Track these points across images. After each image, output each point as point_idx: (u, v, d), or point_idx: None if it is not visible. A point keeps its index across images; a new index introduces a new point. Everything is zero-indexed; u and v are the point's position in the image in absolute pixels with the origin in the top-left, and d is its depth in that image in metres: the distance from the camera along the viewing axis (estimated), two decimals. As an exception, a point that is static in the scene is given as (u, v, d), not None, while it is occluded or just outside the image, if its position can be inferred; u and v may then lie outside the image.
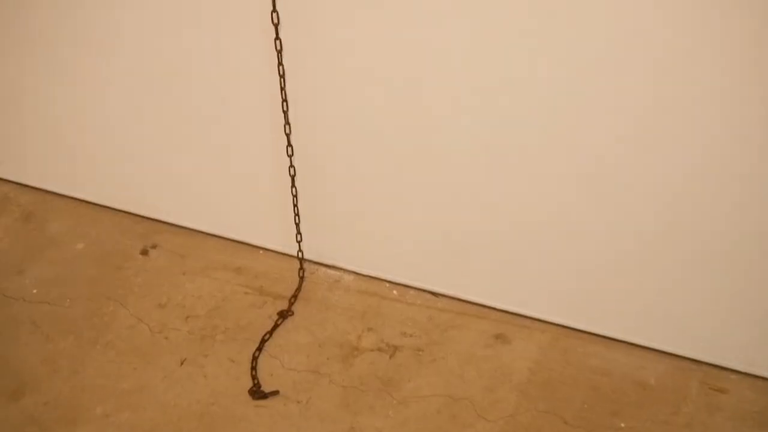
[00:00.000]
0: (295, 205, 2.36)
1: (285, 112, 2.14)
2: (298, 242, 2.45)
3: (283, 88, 2.09)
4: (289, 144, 2.20)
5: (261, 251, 2.64)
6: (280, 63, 2.03)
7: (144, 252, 2.64)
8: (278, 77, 2.07)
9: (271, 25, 1.97)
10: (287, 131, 2.17)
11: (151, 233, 2.72)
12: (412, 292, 2.47)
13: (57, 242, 2.70)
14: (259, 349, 2.27)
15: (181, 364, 2.24)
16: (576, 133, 1.89)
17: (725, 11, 1.57)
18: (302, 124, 2.19)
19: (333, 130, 2.19)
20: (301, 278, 2.52)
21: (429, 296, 2.45)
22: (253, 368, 2.21)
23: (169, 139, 2.49)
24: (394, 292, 2.47)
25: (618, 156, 1.90)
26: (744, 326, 2.07)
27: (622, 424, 2.03)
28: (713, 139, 1.77)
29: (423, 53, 1.92)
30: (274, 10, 1.94)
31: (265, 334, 2.31)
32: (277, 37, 1.99)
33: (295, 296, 2.45)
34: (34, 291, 2.49)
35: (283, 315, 2.38)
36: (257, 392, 2.14)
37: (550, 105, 1.87)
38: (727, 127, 1.74)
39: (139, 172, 2.66)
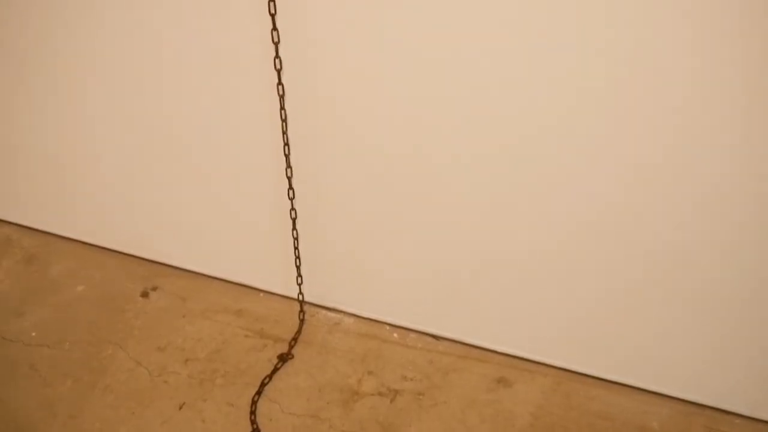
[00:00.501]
0: (296, 248, 2.37)
1: (287, 156, 2.16)
2: (299, 285, 2.45)
3: (285, 132, 2.12)
4: (291, 187, 2.22)
5: (262, 294, 2.64)
6: (282, 107, 2.06)
7: (145, 294, 2.64)
8: (280, 121, 2.10)
9: (274, 70, 2.00)
10: (288, 174, 2.19)
11: (152, 276, 2.73)
12: (412, 335, 2.46)
13: (58, 284, 2.70)
14: (259, 393, 2.25)
15: (180, 408, 2.22)
16: (577, 178, 1.91)
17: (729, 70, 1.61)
18: (304, 167, 2.21)
19: (334, 174, 2.21)
20: (302, 321, 2.51)
21: (430, 339, 2.44)
22: (252, 413, 2.19)
23: (172, 182, 2.51)
24: (395, 335, 2.46)
25: (618, 200, 1.90)
26: (748, 370, 2.05)
27: (627, 471, 2.01)
28: (712, 187, 1.78)
29: (425, 100, 1.94)
30: (277, 56, 1.97)
31: (265, 378, 2.29)
32: (280, 83, 2.02)
33: (295, 339, 2.44)
34: (33, 334, 2.48)
35: (283, 358, 2.36)
36: (256, 437, 2.12)
37: (551, 151, 1.88)
38: (725, 176, 1.76)
39: (142, 215, 2.67)
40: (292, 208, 2.28)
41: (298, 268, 2.41)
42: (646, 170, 1.82)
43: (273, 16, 1.90)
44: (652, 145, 1.78)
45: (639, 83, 1.69)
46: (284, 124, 2.10)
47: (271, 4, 1.88)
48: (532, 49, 1.74)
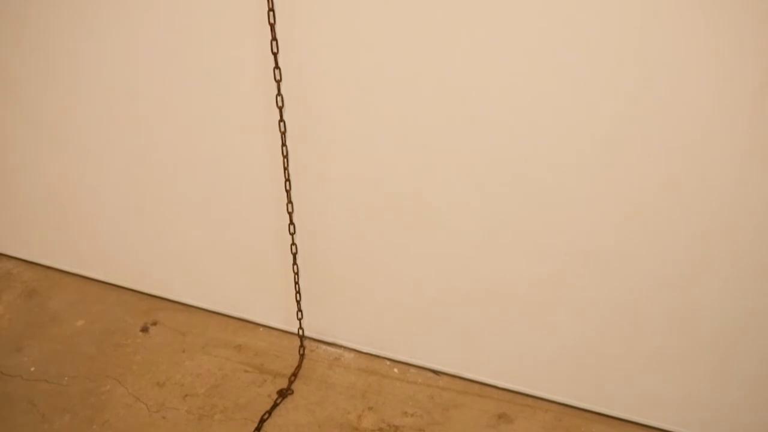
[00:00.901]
0: (296, 283, 2.38)
1: (288, 191, 2.18)
2: (299, 320, 2.45)
3: (286, 168, 2.14)
4: (292, 222, 2.23)
5: (261, 328, 2.64)
6: (283, 144, 2.09)
7: (144, 329, 2.64)
8: (281, 157, 2.12)
9: (276, 108, 2.03)
10: (289, 210, 2.21)
11: (152, 310, 2.73)
12: (413, 370, 2.45)
13: (58, 319, 2.70)
14: (258, 429, 2.23)
15: (179, 444, 2.21)
16: (576, 213, 1.92)
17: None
18: (305, 202, 2.23)
19: (335, 209, 2.23)
20: (302, 356, 2.50)
21: (430, 374, 2.43)
22: (252, 449, 2.18)
23: (172, 217, 2.53)
24: (395, 370, 2.45)
25: (618, 235, 1.92)
26: (748, 406, 2.04)
27: None
28: (711, 221, 1.80)
29: (426, 140, 1.97)
30: (279, 93, 2.01)
31: (264, 414, 2.28)
32: (281, 120, 2.05)
33: (295, 374, 2.43)
34: (32, 369, 2.47)
35: (283, 394, 2.35)
36: (255, 474, 2.10)
37: (553, 185, 1.91)
38: (724, 213, 1.78)
39: (142, 249, 2.68)
40: (293, 243, 2.29)
41: (298, 302, 2.41)
42: (644, 206, 1.84)
43: (275, 55, 1.95)
44: (649, 182, 1.80)
45: (633, 133, 1.73)
46: (285, 160, 2.12)
47: (273, 42, 1.93)
48: (531, 92, 1.78)
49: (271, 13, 1.88)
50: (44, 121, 2.54)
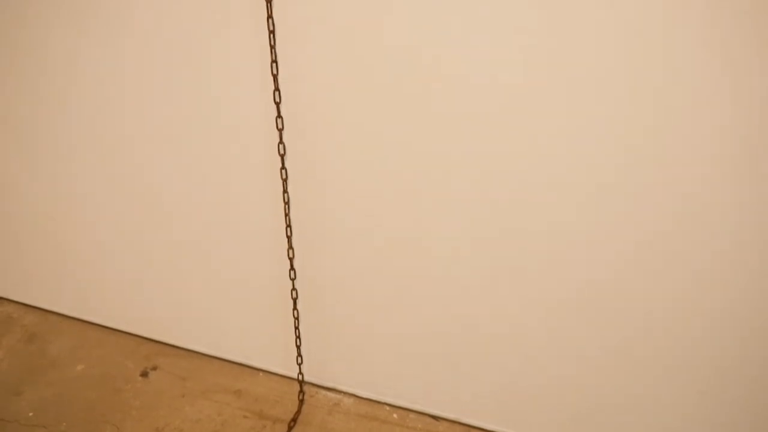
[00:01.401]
0: (296, 328, 2.39)
1: (289, 237, 2.21)
2: (299, 365, 2.46)
3: (287, 214, 2.17)
4: (292, 268, 2.25)
5: (261, 373, 2.64)
6: (285, 190, 2.13)
7: (144, 374, 2.63)
8: (283, 204, 2.16)
9: (278, 156, 2.08)
10: (290, 255, 2.24)
11: (153, 355, 2.73)
12: (412, 415, 2.44)
13: (57, 363, 2.69)
14: (257, 476, 2.22)
15: (177, 492, 2.19)
16: (571, 259, 1.95)
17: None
18: (305, 248, 2.26)
19: (335, 255, 2.25)
20: (301, 401, 2.50)
21: (430, 420, 2.42)
22: (250, 497, 2.16)
23: (172, 261, 2.55)
24: (395, 415, 2.44)
25: (617, 281, 1.94)
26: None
27: None
28: (709, 272, 1.83)
29: (425, 186, 2.01)
30: (281, 142, 2.05)
31: (263, 460, 2.27)
32: (283, 167, 2.09)
33: (294, 420, 2.42)
34: (31, 414, 2.46)
35: (282, 440, 2.34)
36: None
37: (549, 232, 1.94)
38: (716, 262, 1.81)
39: (142, 294, 2.70)
40: (293, 289, 2.31)
41: (298, 347, 2.42)
42: (641, 251, 1.87)
43: (278, 105, 2.00)
44: (654, 226, 1.83)
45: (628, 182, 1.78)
46: (287, 206, 2.15)
47: (276, 93, 1.98)
48: (529, 144, 1.82)
49: (275, 64, 1.93)
50: (44, 167, 2.58)
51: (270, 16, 1.87)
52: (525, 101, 1.76)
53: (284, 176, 2.11)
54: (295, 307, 2.35)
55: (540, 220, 1.92)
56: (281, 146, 2.06)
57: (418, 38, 1.79)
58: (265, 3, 1.85)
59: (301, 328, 2.40)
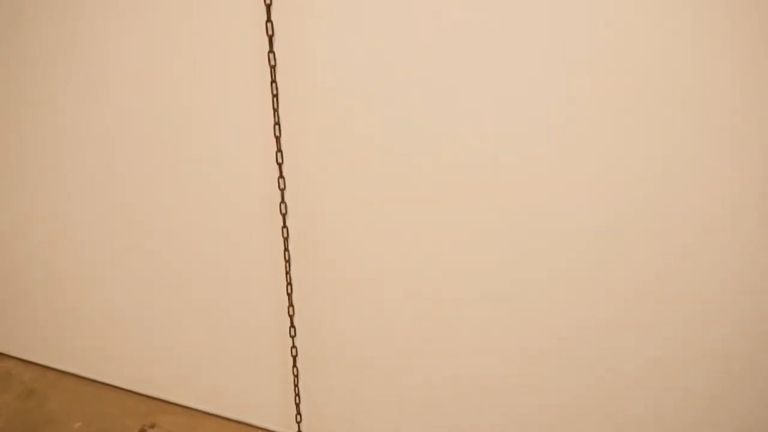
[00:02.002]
0: (296, 386, 2.38)
1: (289, 295, 2.22)
2: (298, 423, 2.44)
3: (288, 272, 2.19)
4: (292, 325, 2.26)
5: (260, 431, 2.61)
6: (286, 249, 2.15)
7: (142, 432, 2.62)
8: (284, 261, 2.18)
9: (279, 214, 2.11)
10: (291, 313, 2.25)
11: (151, 412, 2.70)
12: (412, 475, 2.41)
13: (55, 420, 2.67)
14: None
15: None
16: (566, 311, 1.97)
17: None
18: (306, 305, 2.27)
19: (337, 313, 2.26)
20: (300, 460, 2.47)
21: (430, 480, 2.39)
22: None
23: (171, 318, 2.56)
24: (394, 475, 2.42)
25: (613, 339, 1.95)
26: None
27: None
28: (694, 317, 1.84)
29: (426, 247, 2.03)
30: (282, 201, 2.09)
31: None
32: (284, 226, 2.12)
33: (293, 480, 2.39)
34: (27, 473, 2.44)
35: (280, 501, 2.31)
36: None
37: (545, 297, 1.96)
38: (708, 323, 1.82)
39: (141, 351, 2.70)
40: (293, 346, 2.31)
41: (297, 405, 2.41)
42: (638, 307, 1.89)
43: (280, 165, 2.04)
44: (647, 280, 1.85)
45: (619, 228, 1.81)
46: (288, 264, 2.17)
47: (279, 153, 2.03)
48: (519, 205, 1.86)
49: (277, 126, 1.98)
50: (43, 223, 2.61)
51: (273, 81, 1.94)
52: (525, 162, 1.81)
53: (286, 234, 2.14)
54: (294, 365, 2.34)
55: (541, 275, 1.94)
56: (282, 206, 2.09)
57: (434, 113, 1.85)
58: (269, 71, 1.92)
59: (300, 385, 2.39)
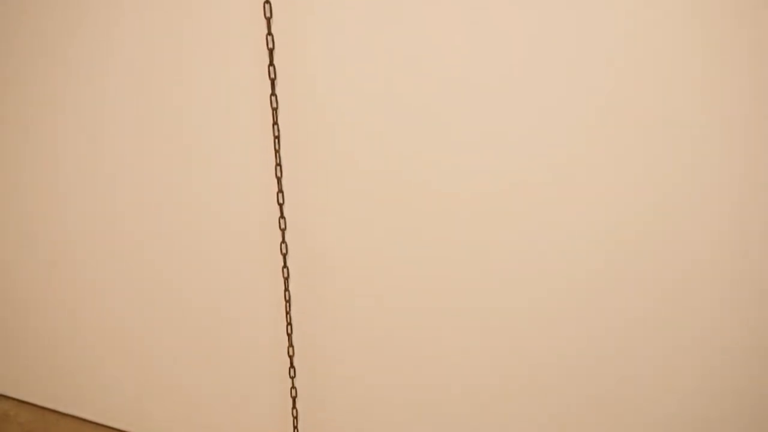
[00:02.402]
0: (295, 427, 2.35)
1: (289, 335, 2.21)
2: (297, 469, 2.41)
3: (288, 312, 2.18)
4: (292, 366, 2.25)
5: (259, 476, 2.58)
6: (286, 288, 2.14)
7: (139, 475, 2.58)
8: (284, 302, 2.17)
9: (280, 255, 2.11)
10: (290, 353, 2.24)
11: (148, 454, 2.68)
12: None
13: (52, 463, 2.65)
14: None
15: None
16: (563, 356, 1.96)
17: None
18: (306, 347, 2.27)
19: (338, 353, 2.25)
20: (299, 504, 2.43)
21: None
22: None
23: (172, 361, 2.54)
24: None
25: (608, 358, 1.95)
26: None
27: None
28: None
29: (435, 284, 2.03)
30: (283, 241, 2.09)
31: None
32: (285, 266, 2.13)
33: None
34: None
35: None
36: None
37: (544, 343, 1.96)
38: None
39: (139, 392, 2.67)
40: (293, 387, 2.29)
41: (296, 449, 2.39)
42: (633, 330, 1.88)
43: (281, 206, 2.05)
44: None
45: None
46: (288, 304, 2.17)
47: (279, 194, 2.04)
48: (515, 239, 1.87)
49: (279, 167, 2.00)
50: (43, 262, 2.60)
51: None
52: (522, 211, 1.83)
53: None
54: (294, 406, 2.32)
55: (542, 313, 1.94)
56: (283, 245, 2.10)
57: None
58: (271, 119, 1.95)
59: (300, 427, 2.37)
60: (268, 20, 1.76)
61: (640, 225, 1.71)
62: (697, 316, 1.75)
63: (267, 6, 1.73)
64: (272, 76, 1.83)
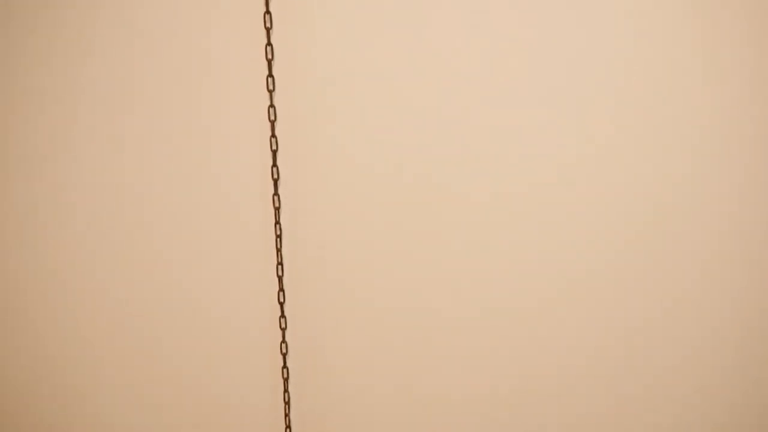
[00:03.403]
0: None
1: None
2: None
3: (284, 354, 2.07)
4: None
5: None
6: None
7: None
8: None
9: (277, 303, 1.95)
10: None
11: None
12: None
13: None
14: None
15: None
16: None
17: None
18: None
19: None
20: None
21: None
22: None
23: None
24: None
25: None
26: None
27: None
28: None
29: (424, 341, 1.96)
30: (281, 289, 1.92)
31: None
32: (282, 315, 1.97)
33: None
34: None
35: None
36: None
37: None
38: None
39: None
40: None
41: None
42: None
43: (279, 251, 1.87)
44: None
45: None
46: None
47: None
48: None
49: (278, 211, 1.76)
50: (42, 309, 2.34)
51: (275, 165, 1.71)
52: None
53: (283, 325, 1.97)
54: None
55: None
56: (281, 294, 1.92)
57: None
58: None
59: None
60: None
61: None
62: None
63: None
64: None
